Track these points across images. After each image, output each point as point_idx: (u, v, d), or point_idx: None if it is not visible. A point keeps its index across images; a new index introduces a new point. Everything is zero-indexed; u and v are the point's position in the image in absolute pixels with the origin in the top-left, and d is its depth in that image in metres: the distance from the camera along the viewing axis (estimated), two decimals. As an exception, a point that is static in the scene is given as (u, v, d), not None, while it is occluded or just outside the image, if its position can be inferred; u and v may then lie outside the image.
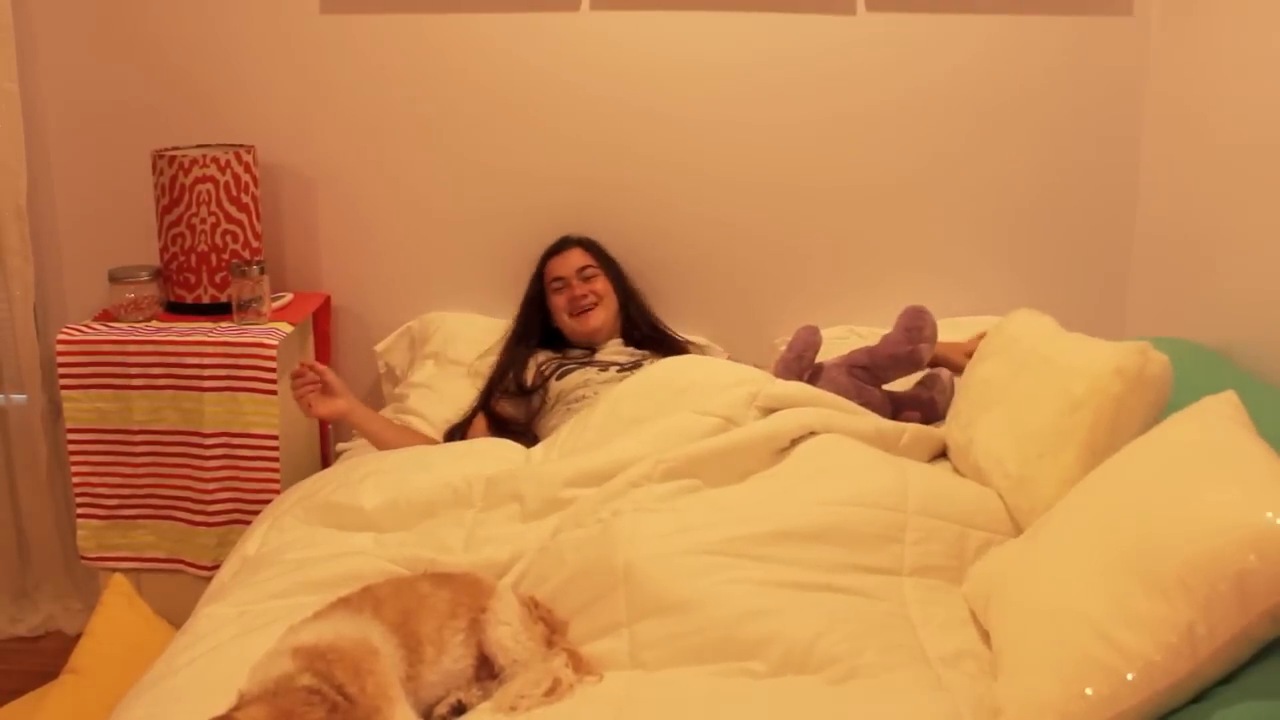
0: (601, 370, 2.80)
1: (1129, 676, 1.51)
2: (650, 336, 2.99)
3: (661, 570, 1.94)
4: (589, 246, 3.01)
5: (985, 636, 1.87)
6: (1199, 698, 1.51)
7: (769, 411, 2.39)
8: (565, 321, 2.93)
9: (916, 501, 2.11)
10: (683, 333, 3.12)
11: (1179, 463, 1.70)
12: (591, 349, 2.92)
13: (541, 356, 2.90)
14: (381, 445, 2.73)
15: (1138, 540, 1.60)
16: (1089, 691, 1.53)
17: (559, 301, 2.94)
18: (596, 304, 2.92)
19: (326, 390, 2.68)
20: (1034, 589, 1.76)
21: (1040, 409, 2.12)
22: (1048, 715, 1.56)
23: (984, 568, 1.97)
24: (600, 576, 1.97)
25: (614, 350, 2.92)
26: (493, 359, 2.98)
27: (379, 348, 3.17)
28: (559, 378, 2.82)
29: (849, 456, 2.24)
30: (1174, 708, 1.52)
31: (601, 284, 2.95)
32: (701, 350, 3.04)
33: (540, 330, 2.98)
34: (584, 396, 2.73)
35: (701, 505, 2.13)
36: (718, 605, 1.88)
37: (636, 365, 2.82)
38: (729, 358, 3.07)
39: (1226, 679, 1.51)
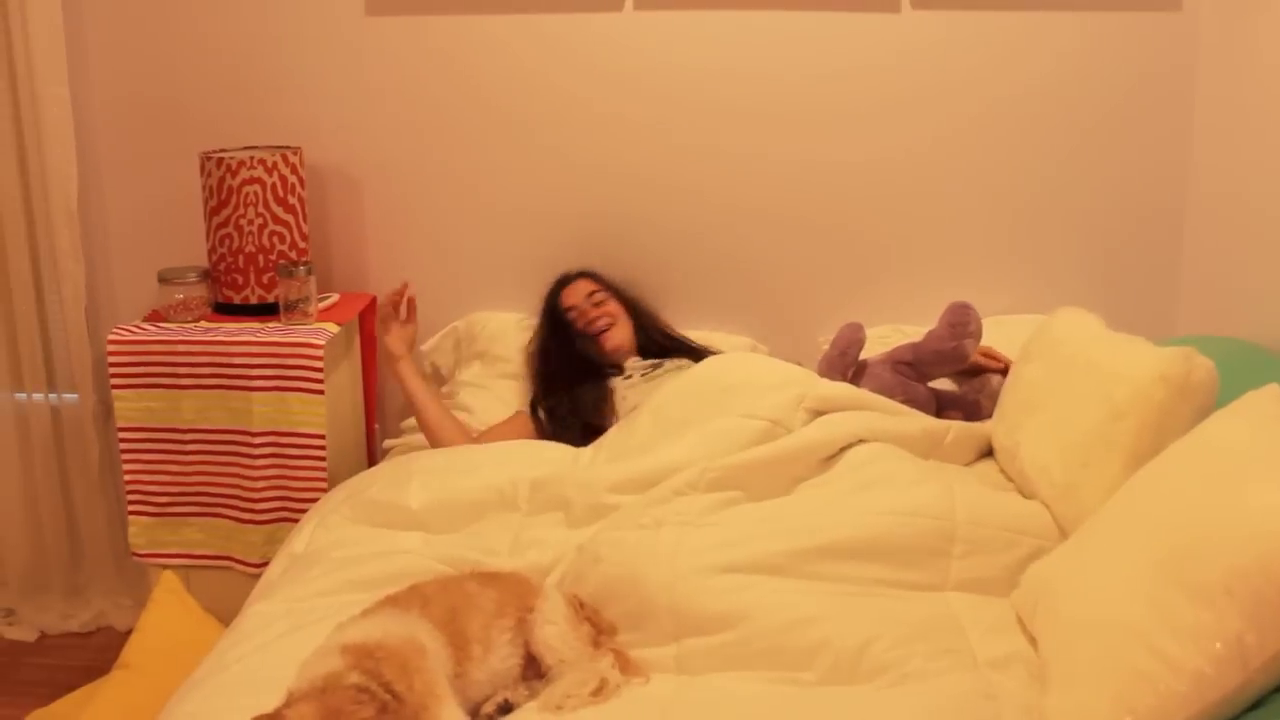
0: (625, 378, 2.82)
1: (1179, 689, 1.48)
2: (666, 347, 2.99)
3: (704, 590, 1.93)
4: (591, 276, 3.04)
5: (1034, 640, 1.85)
6: (1255, 704, 1.48)
7: (816, 413, 2.38)
8: (589, 347, 2.94)
9: (964, 513, 2.09)
10: (725, 331, 3.12)
11: (1220, 464, 1.67)
12: (619, 368, 2.91)
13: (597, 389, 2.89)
14: (422, 414, 2.80)
15: (1181, 547, 1.58)
16: (1138, 706, 1.51)
17: (577, 325, 2.95)
18: (612, 324, 2.94)
19: (402, 321, 2.85)
20: (1079, 599, 1.74)
21: (1084, 416, 2.09)
22: None
23: (1030, 575, 1.95)
24: (643, 594, 1.96)
25: (634, 365, 2.91)
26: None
27: (425, 348, 3.18)
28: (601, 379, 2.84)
29: (896, 468, 2.22)
30: (1229, 719, 1.49)
31: (613, 305, 2.97)
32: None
33: (567, 364, 2.94)
34: (615, 407, 2.75)
35: (745, 519, 2.12)
36: (765, 616, 1.88)
37: (656, 367, 2.83)
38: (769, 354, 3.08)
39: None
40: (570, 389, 2.86)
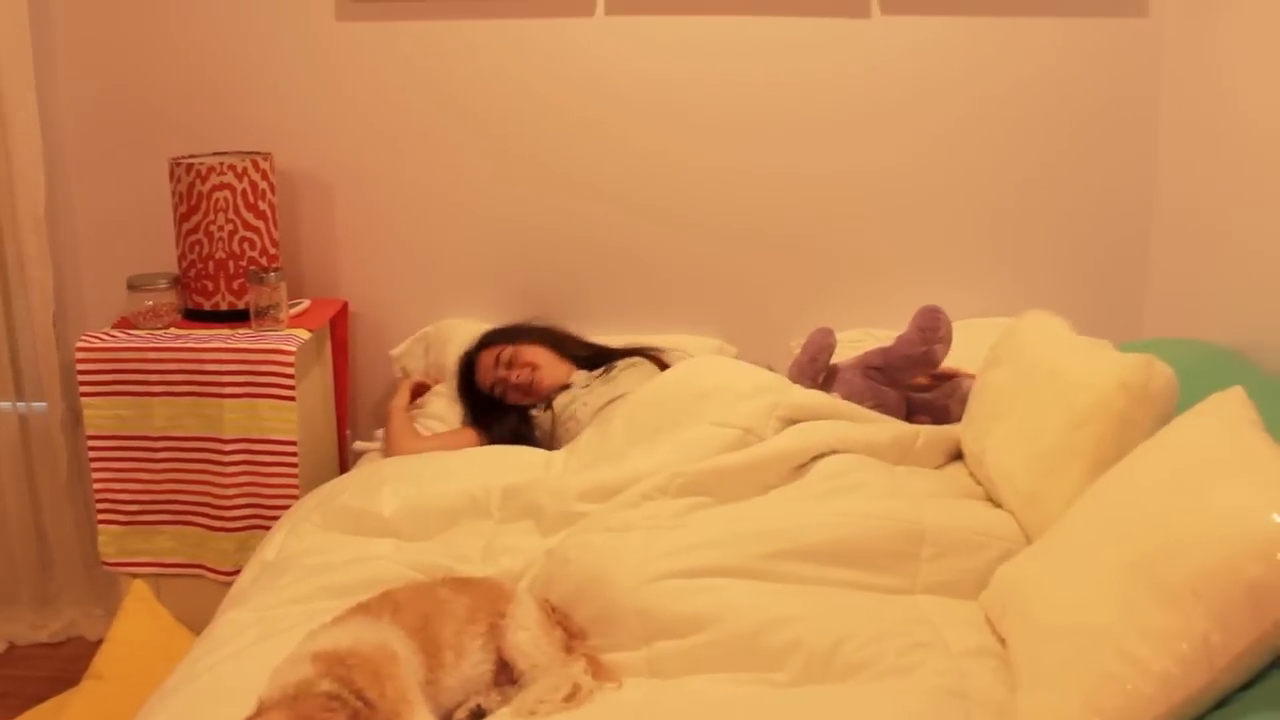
0: (583, 387, 2.80)
1: (1146, 690, 1.49)
2: (603, 355, 2.95)
3: (672, 593, 1.93)
4: (486, 341, 2.97)
5: (1003, 640, 1.86)
6: (1220, 704, 1.50)
7: (789, 421, 2.39)
8: (528, 403, 2.88)
9: (932, 519, 2.10)
10: (697, 334, 3.14)
11: (1186, 465, 1.68)
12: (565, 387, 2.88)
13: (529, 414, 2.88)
14: (393, 442, 2.83)
15: (1147, 549, 1.59)
16: (1106, 707, 1.52)
17: (509, 397, 2.89)
18: (536, 369, 2.88)
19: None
20: (1048, 601, 1.75)
21: (1047, 424, 2.11)
22: None
23: (998, 578, 1.96)
24: (609, 597, 1.95)
25: (580, 379, 2.87)
26: None
27: (394, 352, 3.18)
28: (548, 406, 2.81)
29: (866, 479, 2.23)
30: (1194, 718, 1.50)
31: (525, 351, 2.91)
32: (664, 357, 2.99)
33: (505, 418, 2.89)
34: (575, 414, 2.74)
35: (713, 522, 2.12)
36: (735, 618, 1.88)
37: (609, 369, 2.83)
38: (737, 357, 3.08)
39: (1247, 685, 1.49)
40: (509, 427, 2.84)
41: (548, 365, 2.90)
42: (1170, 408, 1.98)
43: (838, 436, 2.33)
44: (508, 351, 2.90)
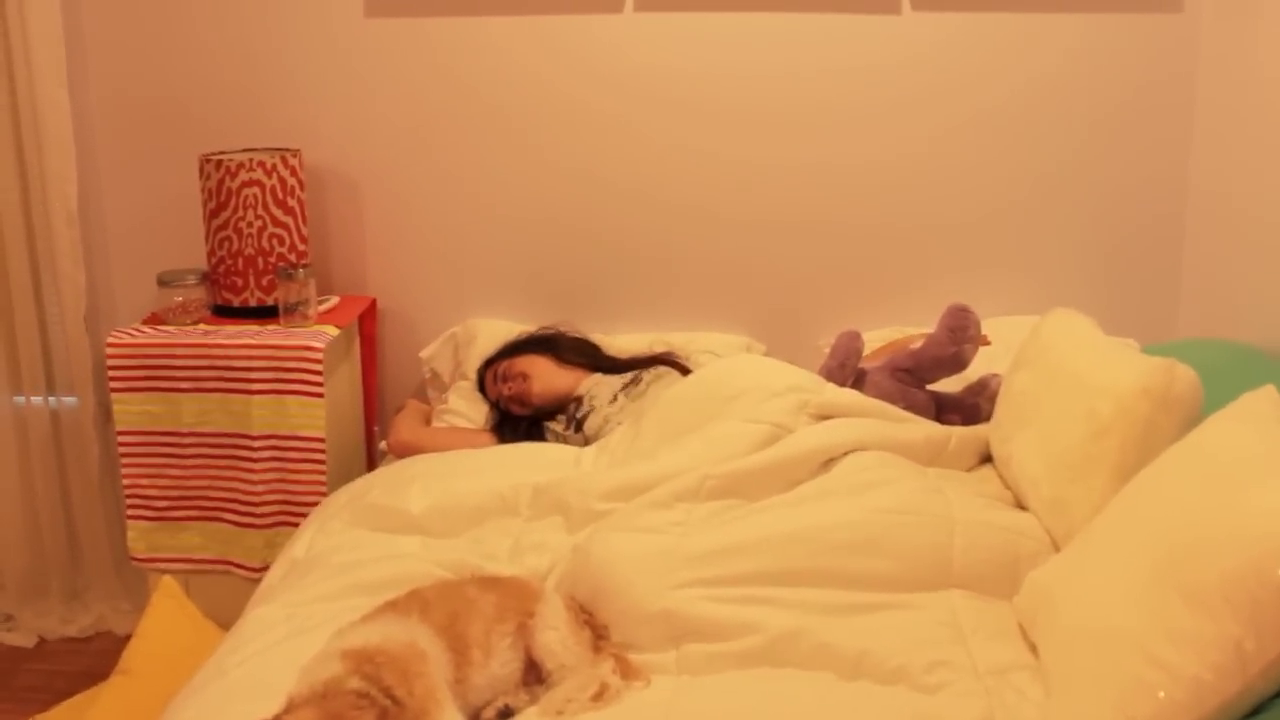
0: (610, 403, 2.78)
1: (1177, 696, 1.47)
2: (621, 364, 2.94)
3: (699, 600, 1.92)
4: (489, 360, 2.99)
5: (1034, 648, 1.84)
6: (1255, 710, 1.47)
7: (820, 419, 2.38)
8: (527, 413, 2.89)
9: (961, 515, 2.09)
10: (725, 332, 3.12)
11: (1218, 468, 1.65)
12: (577, 400, 2.86)
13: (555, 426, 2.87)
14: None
15: (1179, 552, 1.57)
16: (1137, 713, 1.50)
17: (511, 409, 2.91)
18: (526, 379, 2.87)
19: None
20: (1078, 606, 1.73)
21: (1069, 431, 2.08)
22: None
23: (1030, 584, 1.94)
24: (633, 600, 1.95)
25: (602, 386, 2.85)
26: None
27: (424, 354, 3.17)
28: (578, 429, 2.79)
29: (894, 475, 2.21)
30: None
31: (518, 362, 2.91)
32: (688, 363, 2.97)
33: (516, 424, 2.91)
34: (614, 427, 2.71)
35: (740, 525, 2.10)
36: (763, 628, 1.87)
37: (636, 381, 2.80)
38: (765, 354, 3.08)
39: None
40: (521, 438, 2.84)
41: (543, 374, 2.88)
42: (1195, 411, 1.96)
43: (869, 434, 2.31)
44: (503, 366, 2.93)
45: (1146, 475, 1.81)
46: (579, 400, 2.83)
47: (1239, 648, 1.44)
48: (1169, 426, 1.94)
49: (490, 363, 2.98)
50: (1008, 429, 2.31)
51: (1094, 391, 2.06)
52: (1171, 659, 1.49)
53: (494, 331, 3.11)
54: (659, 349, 2.99)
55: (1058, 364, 2.23)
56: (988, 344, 2.62)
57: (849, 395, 2.46)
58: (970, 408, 2.61)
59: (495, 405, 2.96)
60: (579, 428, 2.78)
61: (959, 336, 2.52)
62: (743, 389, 2.46)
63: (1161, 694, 1.47)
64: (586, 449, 2.56)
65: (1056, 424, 2.14)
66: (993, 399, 2.57)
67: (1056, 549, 2.06)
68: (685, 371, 2.84)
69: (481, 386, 3.00)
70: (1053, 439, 2.13)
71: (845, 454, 2.28)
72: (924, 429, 2.40)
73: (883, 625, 1.88)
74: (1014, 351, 2.51)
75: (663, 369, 2.85)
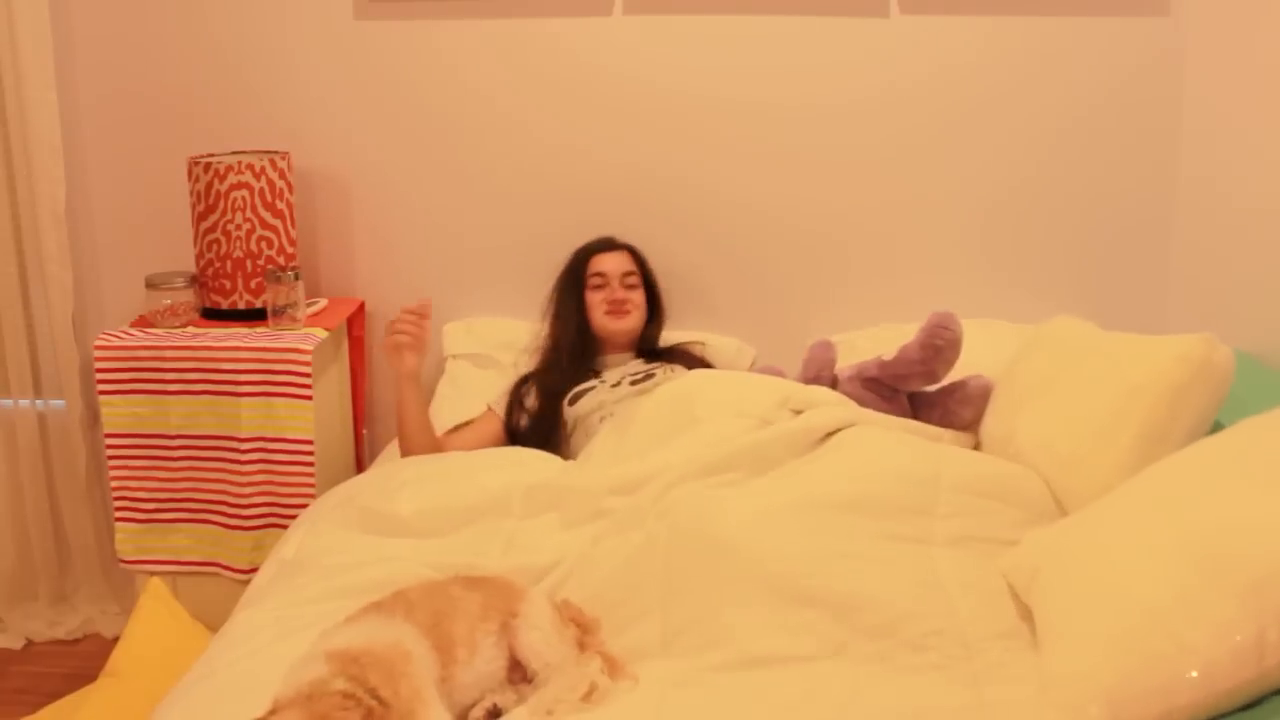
0: (614, 388, 2.79)
1: (1191, 673, 1.47)
2: (661, 351, 2.98)
3: (752, 533, 1.99)
4: (635, 254, 3.01)
5: (1025, 613, 1.85)
6: (1253, 704, 1.48)
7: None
8: (598, 318, 2.92)
9: (950, 479, 2.12)
10: (716, 334, 3.12)
11: (1262, 460, 1.65)
12: (599, 369, 2.88)
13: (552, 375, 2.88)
14: (405, 423, 2.73)
15: (1214, 537, 1.57)
16: (1145, 680, 1.50)
17: (594, 298, 2.93)
18: (631, 312, 2.92)
19: (415, 347, 2.70)
20: (1094, 568, 1.72)
21: (1096, 394, 2.09)
22: (1095, 693, 1.53)
23: (1032, 543, 1.92)
24: (716, 535, 2.00)
25: (627, 365, 2.88)
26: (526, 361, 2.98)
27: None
28: (572, 403, 2.80)
29: (883, 439, 2.26)
30: (1228, 711, 1.49)
31: (639, 296, 2.96)
32: (708, 355, 3.01)
33: (576, 327, 2.92)
34: (602, 418, 2.72)
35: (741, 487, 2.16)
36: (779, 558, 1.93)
37: (649, 376, 2.80)
38: (755, 357, 3.11)
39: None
40: (562, 370, 2.84)
41: (636, 323, 2.94)
42: (1225, 386, 1.97)
43: (856, 418, 2.35)
44: (635, 279, 2.95)
45: (1186, 455, 1.80)
46: (597, 371, 2.85)
47: (1261, 637, 1.45)
48: (1201, 395, 1.95)
49: (629, 250, 2.98)
50: (1012, 408, 2.32)
51: (1128, 359, 2.07)
52: (1192, 638, 1.49)
53: (482, 332, 3.11)
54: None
55: (1078, 347, 2.24)
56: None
57: (830, 394, 2.47)
58: (942, 407, 2.60)
59: (565, 297, 2.94)
60: (573, 401, 2.79)
61: (929, 354, 2.47)
62: (722, 401, 2.46)
63: (1194, 674, 1.47)
64: (572, 462, 2.55)
65: (1081, 390, 2.14)
66: (966, 401, 2.53)
67: (1061, 512, 2.06)
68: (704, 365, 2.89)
69: (584, 260, 2.96)
70: (1076, 402, 2.14)
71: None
72: (914, 425, 2.44)
73: (870, 590, 1.90)
74: (993, 355, 2.53)
75: (678, 367, 2.86)
